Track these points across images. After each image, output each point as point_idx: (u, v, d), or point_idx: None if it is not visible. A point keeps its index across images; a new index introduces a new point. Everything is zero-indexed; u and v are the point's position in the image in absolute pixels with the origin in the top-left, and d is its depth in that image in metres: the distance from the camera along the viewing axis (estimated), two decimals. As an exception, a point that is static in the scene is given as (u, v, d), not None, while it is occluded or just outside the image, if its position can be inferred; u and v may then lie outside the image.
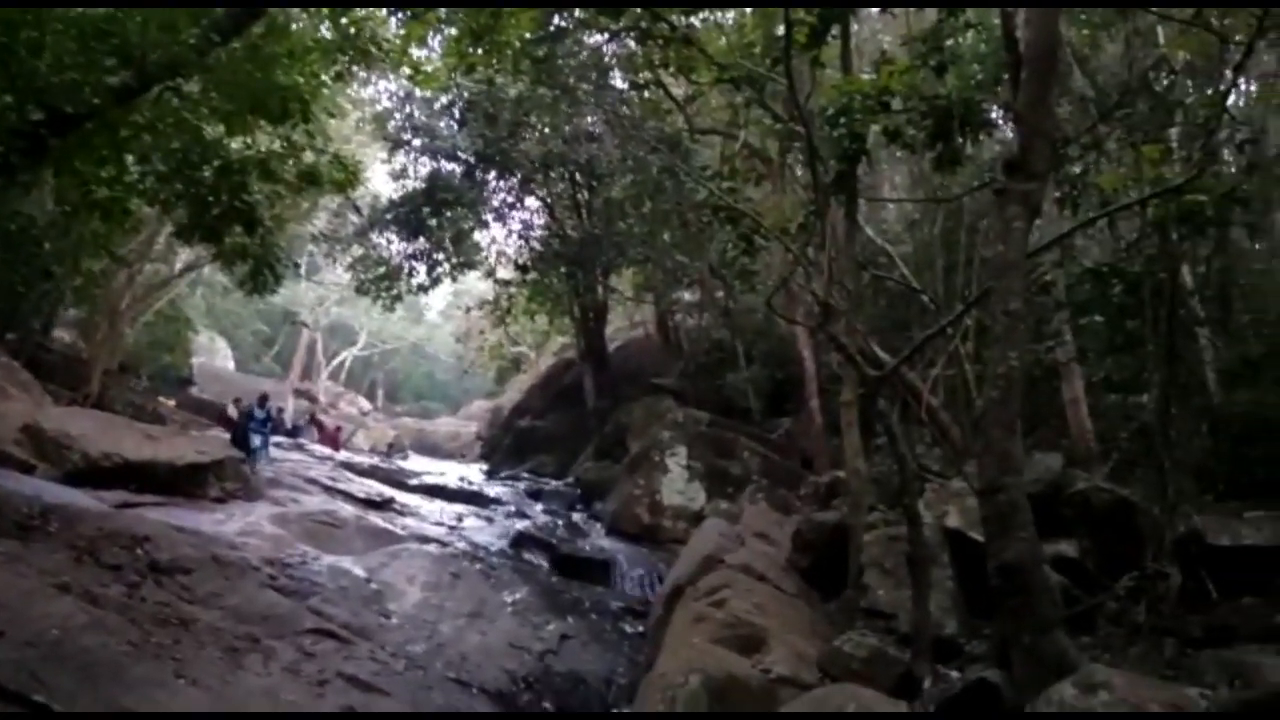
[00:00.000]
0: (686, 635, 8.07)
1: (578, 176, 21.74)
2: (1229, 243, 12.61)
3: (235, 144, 11.72)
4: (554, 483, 20.59)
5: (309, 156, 12.15)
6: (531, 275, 23.44)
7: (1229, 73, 10.06)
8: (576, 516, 17.23)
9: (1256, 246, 16.94)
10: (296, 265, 28.64)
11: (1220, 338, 12.19)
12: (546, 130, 20.22)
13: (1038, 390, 16.26)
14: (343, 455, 22.41)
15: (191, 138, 10.71)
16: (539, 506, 17.75)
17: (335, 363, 51.70)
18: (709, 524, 11.73)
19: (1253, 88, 15.38)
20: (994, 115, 11.60)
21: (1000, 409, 6.95)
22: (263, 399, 17.26)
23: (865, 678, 7.27)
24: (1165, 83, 11.76)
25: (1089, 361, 13.46)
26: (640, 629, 11.30)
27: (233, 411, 17.49)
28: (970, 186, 13.36)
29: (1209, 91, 10.29)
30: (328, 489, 15.60)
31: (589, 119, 19.72)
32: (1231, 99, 11.51)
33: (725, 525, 11.51)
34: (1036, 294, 11.18)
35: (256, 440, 16.05)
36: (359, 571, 10.83)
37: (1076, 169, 10.52)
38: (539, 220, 23.91)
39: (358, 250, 24.23)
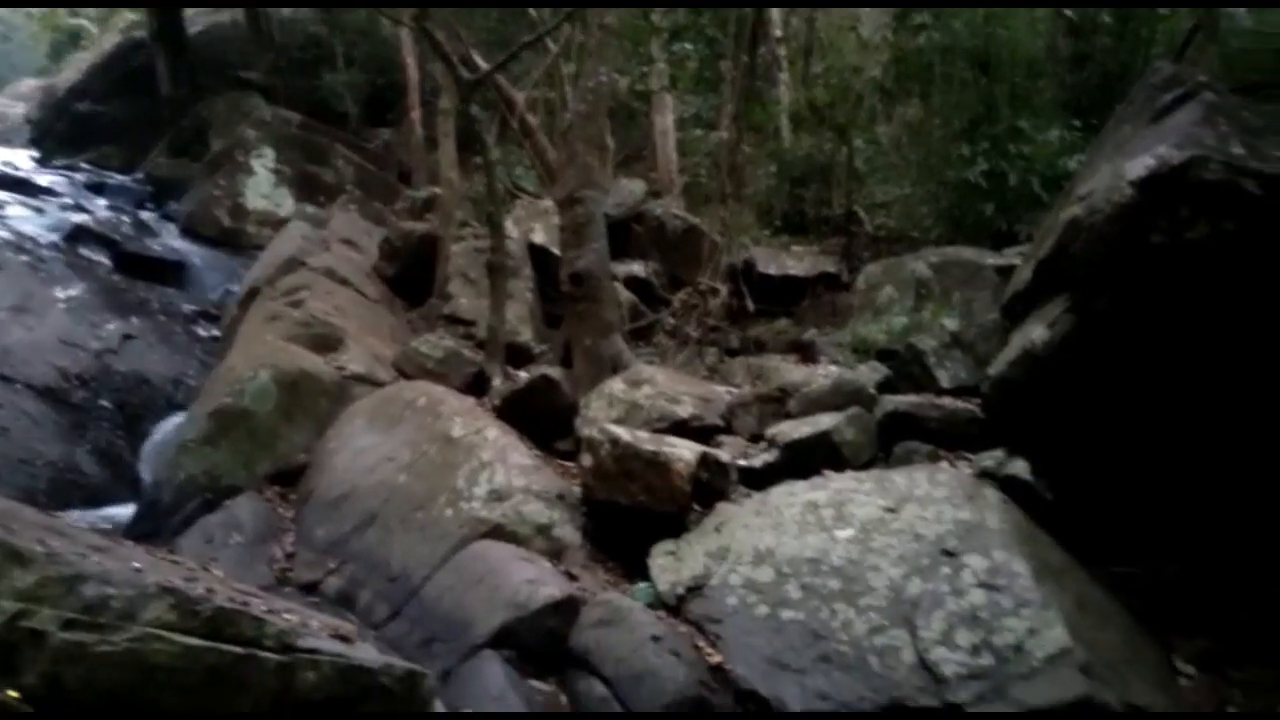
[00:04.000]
0: (260, 333, 7.82)
1: None
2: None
3: None
4: (120, 177, 18.42)
5: None
6: (94, -66, 19.97)
7: None
8: (146, 215, 15.66)
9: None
10: None
11: (796, 84, 13.15)
12: None
13: (634, 123, 16.87)
14: None
15: None
16: (101, 201, 15.89)
17: None
18: (293, 226, 11.21)
19: None
20: None
21: (587, 123, 7.11)
22: None
23: (439, 376, 7.53)
24: None
25: (679, 94, 14.04)
26: (215, 333, 10.80)
27: None
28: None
29: None
30: None
31: None
32: None
33: (310, 229, 11.05)
34: (636, 17, 11.29)
35: None
36: None
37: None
38: None
39: None
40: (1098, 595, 4.95)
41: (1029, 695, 4.09)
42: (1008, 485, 5.26)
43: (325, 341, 7.69)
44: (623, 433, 5.63)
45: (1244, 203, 4.34)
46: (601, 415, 6.34)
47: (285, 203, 15.00)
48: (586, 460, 5.69)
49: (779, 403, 6.51)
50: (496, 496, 5.68)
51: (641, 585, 5.33)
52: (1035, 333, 5.10)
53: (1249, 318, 4.66)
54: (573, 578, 5.29)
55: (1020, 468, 5.31)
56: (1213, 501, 4.99)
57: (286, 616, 2.92)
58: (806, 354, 8.58)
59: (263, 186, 15.17)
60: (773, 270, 10.37)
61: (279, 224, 13.58)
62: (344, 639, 2.84)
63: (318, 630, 2.90)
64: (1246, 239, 4.40)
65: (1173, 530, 5.12)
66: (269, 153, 15.47)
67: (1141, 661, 4.61)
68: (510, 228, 10.06)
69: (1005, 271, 7.06)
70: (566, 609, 4.89)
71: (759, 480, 5.82)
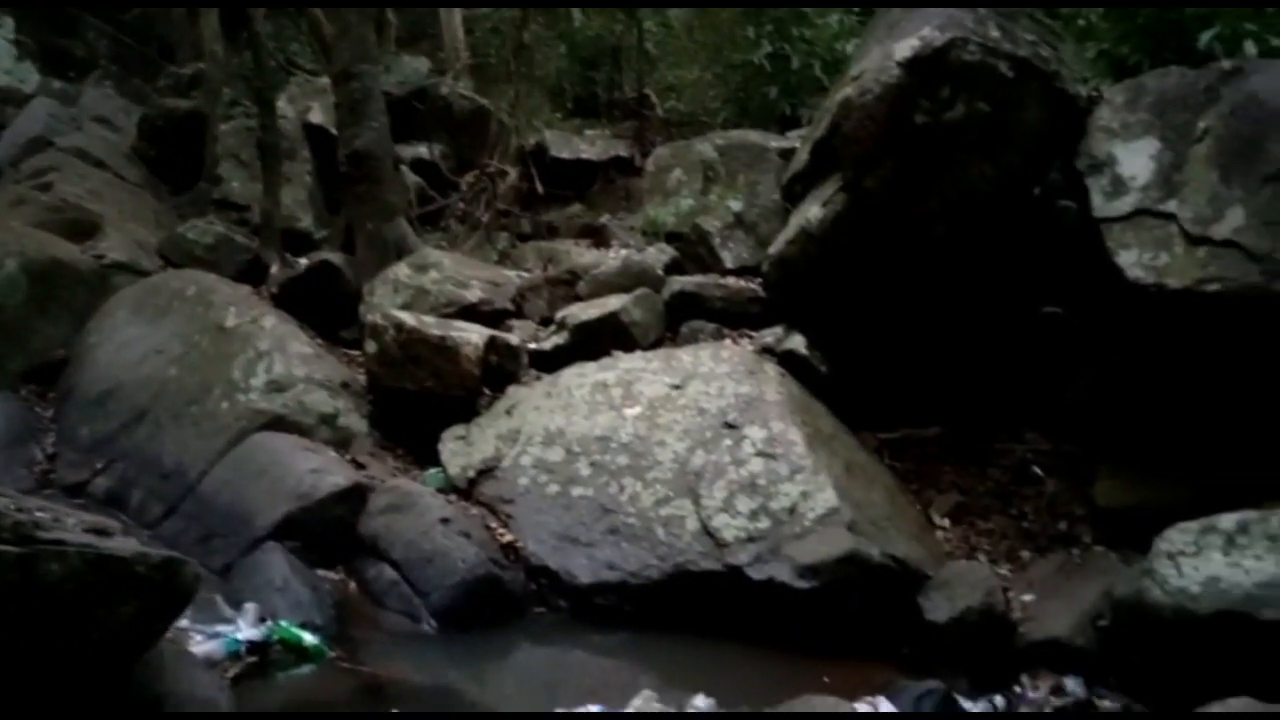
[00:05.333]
0: (3, 220, 7.10)
1: None
2: None
3: None
4: None
5: None
6: None
7: None
8: None
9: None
10: None
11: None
12: None
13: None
14: None
15: None
16: None
17: None
18: (38, 103, 10.16)
19: None
20: None
21: (361, -7, 6.72)
22: None
23: (209, 264, 7.06)
24: None
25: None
26: (-49, 222, 9.79)
27: None
28: None
29: None
30: None
31: None
32: None
33: (59, 107, 10.07)
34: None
35: None
36: None
37: None
38: None
39: None
40: (865, 459, 5.30)
41: (801, 553, 4.35)
42: (786, 360, 5.50)
43: (79, 228, 7.07)
44: (408, 318, 5.52)
45: (998, 84, 4.59)
46: (386, 301, 6.16)
47: (30, 78, 13.55)
48: (371, 347, 5.56)
49: (569, 286, 6.53)
50: (276, 387, 5.46)
51: (432, 471, 5.32)
52: (811, 212, 5.28)
53: (999, 198, 4.99)
54: (360, 466, 5.21)
55: (798, 343, 5.55)
56: (967, 370, 5.38)
57: (38, 514, 2.73)
58: (599, 238, 8.59)
59: (2, 60, 13.66)
60: (565, 154, 10.22)
61: (23, 101, 12.30)
62: (101, 533, 2.68)
63: (73, 527, 2.72)
64: (998, 120, 4.67)
65: (933, 398, 5.50)
66: (8, 22, 13.90)
67: (902, 517, 4.98)
68: (285, 106, 9.49)
69: (788, 154, 7.20)
70: (354, 497, 4.82)
71: (550, 362, 5.86)
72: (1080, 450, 5.24)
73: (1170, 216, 4.41)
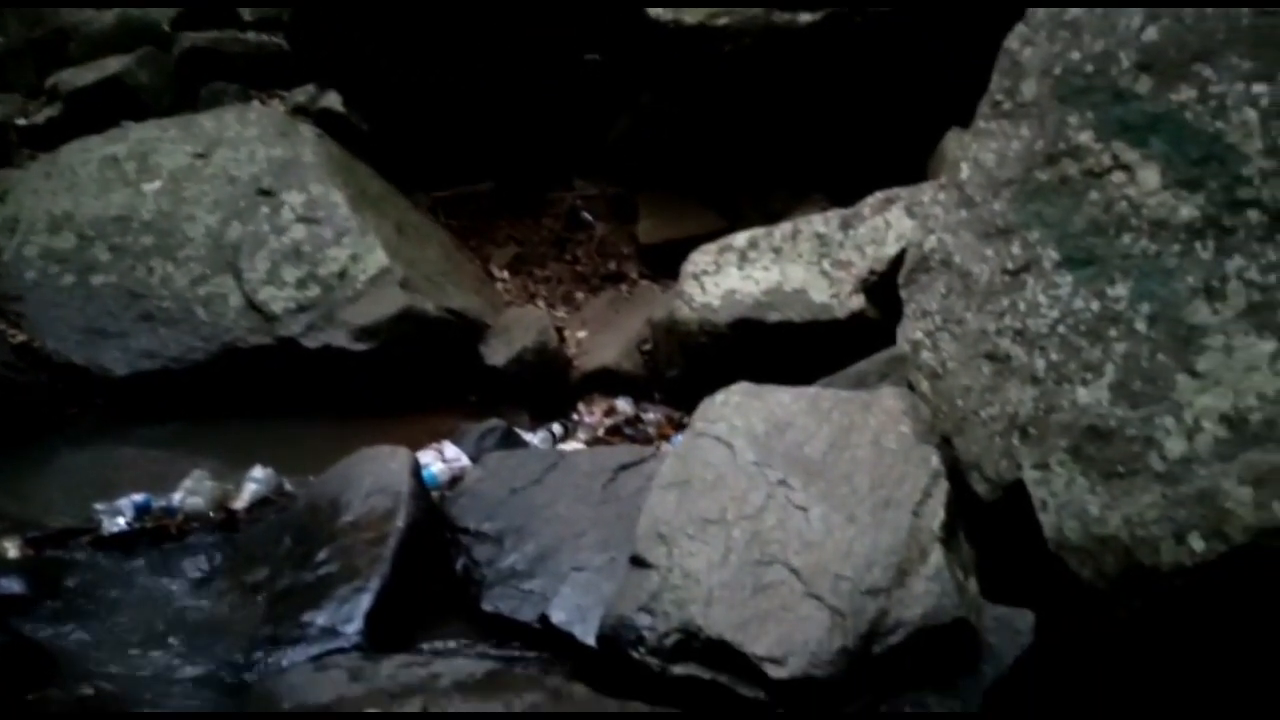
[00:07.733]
0: None
1: None
2: None
3: None
4: None
5: None
6: None
7: None
8: None
9: None
10: None
11: None
12: None
13: None
14: None
15: None
16: None
17: None
18: None
19: None
20: None
21: None
22: None
23: None
24: None
25: None
26: None
27: None
28: None
29: None
30: None
31: None
32: None
33: None
34: None
35: None
36: None
37: None
38: None
39: None
40: (418, 219, 5.21)
41: (355, 316, 4.26)
42: (323, 119, 5.21)
43: None
44: None
45: None
46: None
47: None
48: None
49: (58, 48, 5.63)
50: None
51: (-87, 277, 4.52)
52: (330, -48, 4.86)
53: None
54: None
55: (333, 101, 5.27)
56: (516, 122, 5.37)
57: None
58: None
59: None
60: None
61: None
62: None
63: None
64: None
65: (484, 153, 5.47)
66: None
67: (460, 272, 5.00)
68: None
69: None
70: None
71: (46, 139, 5.17)
72: (625, 192, 5.49)
73: (684, -45, 4.52)
